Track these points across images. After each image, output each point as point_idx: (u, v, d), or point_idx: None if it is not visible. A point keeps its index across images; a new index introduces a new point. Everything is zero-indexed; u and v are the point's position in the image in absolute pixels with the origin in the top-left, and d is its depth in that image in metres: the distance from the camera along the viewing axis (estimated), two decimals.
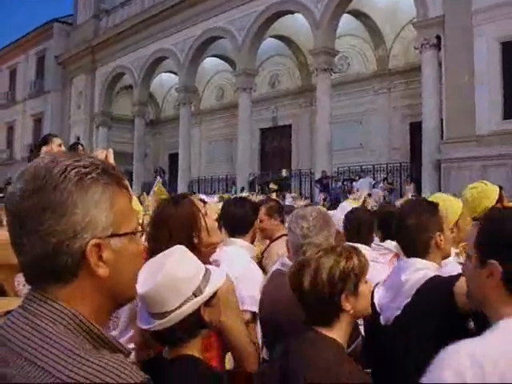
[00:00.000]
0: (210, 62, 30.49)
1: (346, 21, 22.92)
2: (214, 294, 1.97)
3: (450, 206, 3.42)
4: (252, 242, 3.57)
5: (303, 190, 24.69)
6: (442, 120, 17.46)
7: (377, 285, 2.70)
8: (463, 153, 15.99)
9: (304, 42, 25.57)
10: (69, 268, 1.08)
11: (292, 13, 23.35)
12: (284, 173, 24.54)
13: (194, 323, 1.91)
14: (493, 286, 1.58)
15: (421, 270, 2.44)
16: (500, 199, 3.94)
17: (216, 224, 2.66)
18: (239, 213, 3.51)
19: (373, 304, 2.58)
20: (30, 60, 40.12)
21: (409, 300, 2.39)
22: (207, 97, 34.18)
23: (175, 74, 30.12)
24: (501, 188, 4.06)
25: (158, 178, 17.37)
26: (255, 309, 2.95)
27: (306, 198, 21.24)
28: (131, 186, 4.60)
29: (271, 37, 26.12)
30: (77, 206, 1.07)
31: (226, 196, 16.21)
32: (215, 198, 15.55)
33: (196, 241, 2.46)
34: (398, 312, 2.43)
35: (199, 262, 2.03)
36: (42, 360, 1.01)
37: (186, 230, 2.45)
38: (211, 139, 33.67)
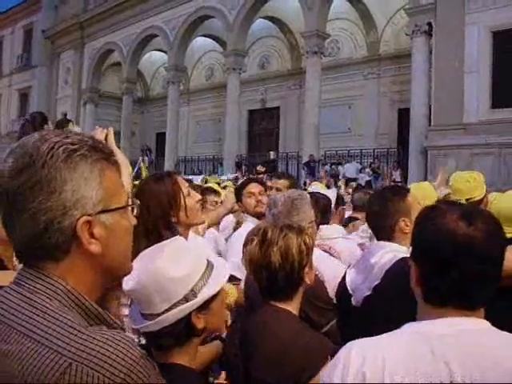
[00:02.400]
0: (200, 42, 30.22)
1: (338, 4, 22.78)
2: (214, 297, 1.71)
3: (427, 194, 3.58)
4: None
5: (290, 172, 24.67)
6: (430, 107, 17.50)
7: (348, 267, 2.78)
8: (450, 140, 16.05)
9: (295, 25, 25.45)
10: (60, 245, 1.09)
11: None
12: (272, 155, 24.49)
13: (183, 331, 1.67)
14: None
15: (389, 253, 2.51)
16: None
17: (198, 205, 2.65)
18: None
19: (344, 285, 2.66)
20: (17, 33, 39.44)
21: (378, 282, 2.47)
22: (196, 76, 33.95)
23: (165, 52, 29.82)
24: None
25: (140, 160, 17.28)
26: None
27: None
28: None
29: (262, 18, 25.94)
30: (66, 183, 1.07)
31: (211, 178, 16.17)
32: (199, 179, 15.54)
33: (173, 219, 2.47)
34: (368, 293, 2.51)
35: (199, 255, 1.78)
36: (43, 336, 1.02)
37: (163, 208, 2.46)
38: (199, 119, 33.52)
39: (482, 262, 1.42)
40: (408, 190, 2.72)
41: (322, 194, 4.09)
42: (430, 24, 17.50)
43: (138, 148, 33.02)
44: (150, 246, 1.84)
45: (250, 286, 2.59)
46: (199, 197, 2.69)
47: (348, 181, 18.98)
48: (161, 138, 32.56)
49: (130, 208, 1.24)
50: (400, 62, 22.66)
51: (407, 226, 2.54)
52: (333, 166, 21.31)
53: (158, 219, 2.38)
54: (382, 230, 2.65)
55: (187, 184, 2.68)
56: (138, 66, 32.54)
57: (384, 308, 2.00)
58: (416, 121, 18.02)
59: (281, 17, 26.79)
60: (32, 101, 37.32)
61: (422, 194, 3.60)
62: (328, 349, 2.01)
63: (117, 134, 30.17)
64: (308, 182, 20.37)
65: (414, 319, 1.53)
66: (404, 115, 21.12)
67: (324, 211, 4.13)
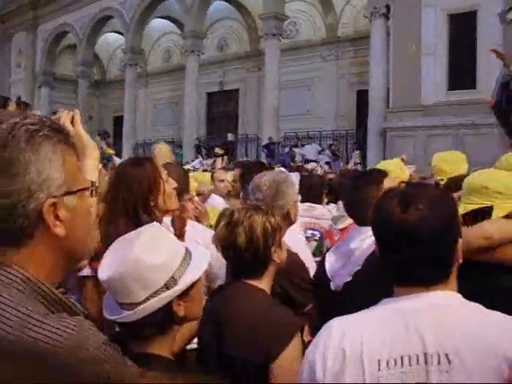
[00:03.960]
0: (157, 23, 29.77)
1: None
2: (194, 284, 1.67)
3: (398, 172, 3.64)
4: None
5: (249, 155, 24.69)
6: (388, 89, 17.69)
7: (327, 251, 2.82)
8: (408, 122, 16.27)
9: (253, 6, 25.31)
10: (24, 229, 1.06)
11: None
12: (230, 137, 24.39)
13: (164, 319, 1.63)
14: None
15: (369, 238, 2.49)
16: None
17: (174, 192, 2.67)
18: None
19: (324, 270, 2.70)
20: None
21: (359, 267, 2.49)
22: (154, 59, 33.51)
23: (121, 34, 29.32)
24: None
25: (103, 142, 16.96)
26: None
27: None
28: None
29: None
30: (30, 165, 1.04)
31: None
32: None
33: (152, 204, 2.48)
34: (349, 278, 2.54)
35: (178, 242, 1.75)
36: (1, 328, 1.00)
37: (143, 192, 2.48)
38: (157, 102, 33.14)
39: (414, 245, 1.49)
40: (384, 175, 2.74)
41: (315, 175, 4.20)
42: (388, 6, 17.62)
43: (95, 132, 32.54)
44: (128, 228, 1.81)
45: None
46: (175, 184, 2.70)
47: (307, 162, 19.07)
48: (119, 121, 32.12)
49: (89, 190, 1.21)
50: (359, 44, 22.76)
51: None
52: (293, 148, 21.38)
53: (137, 202, 2.39)
54: (359, 217, 2.68)
55: (166, 171, 2.68)
56: (94, 49, 31.88)
57: (364, 294, 2.05)
58: (375, 102, 18.19)
59: None
60: None
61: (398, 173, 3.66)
62: (297, 324, 2.11)
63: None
64: (268, 163, 20.42)
65: None
66: (363, 97, 21.29)
67: (316, 191, 4.21)
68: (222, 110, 30.18)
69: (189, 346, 2.35)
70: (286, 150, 21.50)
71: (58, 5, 31.74)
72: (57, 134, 1.11)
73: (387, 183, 2.61)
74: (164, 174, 2.59)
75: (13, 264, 1.07)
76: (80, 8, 30.41)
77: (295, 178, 4.59)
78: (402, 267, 1.53)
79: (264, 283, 2.25)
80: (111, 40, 33.28)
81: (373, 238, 2.47)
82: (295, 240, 2.84)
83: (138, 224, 2.03)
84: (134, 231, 1.70)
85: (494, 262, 2.26)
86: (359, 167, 17.76)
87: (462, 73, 15.58)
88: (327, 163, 19.52)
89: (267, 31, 21.68)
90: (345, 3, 24.32)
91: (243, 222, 2.21)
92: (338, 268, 2.62)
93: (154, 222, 1.82)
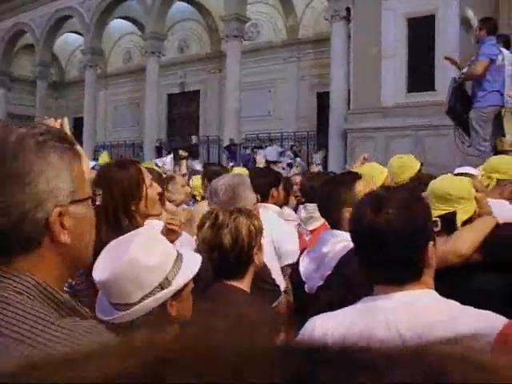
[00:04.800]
0: (117, 24, 29.44)
1: None
2: (186, 285, 1.74)
3: (376, 174, 3.68)
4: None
5: (211, 156, 24.67)
6: (349, 91, 17.89)
7: (301, 254, 2.86)
8: (368, 123, 16.47)
9: (214, 8, 25.28)
10: (33, 238, 1.08)
11: None
12: (194, 140, 24.32)
13: (158, 319, 1.67)
14: None
15: (341, 242, 2.56)
16: (419, 172, 4.33)
17: (157, 197, 2.64)
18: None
19: (298, 272, 2.75)
20: None
21: (330, 272, 2.54)
22: (114, 60, 33.14)
23: (80, 34, 28.91)
24: (422, 164, 4.49)
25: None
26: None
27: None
28: None
29: (181, 0, 25.57)
30: (39, 175, 1.06)
31: (146, 164, 15.77)
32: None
33: (133, 208, 2.46)
34: (321, 282, 2.59)
35: (170, 245, 1.81)
36: (16, 331, 1.01)
37: (125, 196, 2.45)
38: (118, 103, 32.79)
39: (383, 247, 1.57)
40: (357, 178, 2.78)
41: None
42: (348, 9, 17.83)
43: None
44: (109, 233, 1.81)
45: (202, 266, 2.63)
46: (160, 189, 2.67)
47: (269, 164, 19.12)
48: (78, 123, 31.69)
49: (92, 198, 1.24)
50: (319, 46, 22.91)
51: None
52: (254, 150, 21.43)
53: (118, 207, 2.36)
54: (331, 220, 2.74)
55: (150, 175, 2.66)
56: (53, 49, 31.38)
57: (336, 298, 2.11)
58: (335, 104, 18.36)
59: (200, 0, 26.55)
60: None
61: (376, 174, 3.72)
62: (280, 322, 2.23)
63: (31, 120, 29.25)
64: (231, 165, 20.45)
65: None
66: (323, 99, 21.46)
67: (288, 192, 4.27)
68: (183, 111, 30.04)
69: None
70: (248, 151, 21.54)
71: (14, 3, 30.98)
72: (64, 143, 1.13)
73: (361, 186, 2.65)
74: (148, 178, 2.56)
75: (24, 270, 1.09)
76: (37, 7, 29.78)
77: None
78: (375, 267, 1.62)
79: (245, 283, 2.31)
80: (70, 40, 32.73)
81: (344, 242, 2.54)
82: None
83: (118, 230, 2.02)
84: (127, 234, 1.75)
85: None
86: (320, 168, 17.94)
87: (420, 75, 15.85)
88: (288, 164, 19.62)
89: (228, 33, 21.69)
90: (305, 6, 24.48)
91: (228, 224, 2.25)
92: (311, 271, 2.66)
93: (147, 226, 1.92)
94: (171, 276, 1.67)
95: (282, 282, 3.07)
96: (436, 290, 1.66)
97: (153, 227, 2.31)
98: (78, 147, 1.23)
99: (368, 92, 16.68)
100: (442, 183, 2.57)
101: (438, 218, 2.35)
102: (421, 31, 15.81)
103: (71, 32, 30.82)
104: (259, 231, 2.33)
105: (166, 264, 1.68)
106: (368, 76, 16.61)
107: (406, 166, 4.34)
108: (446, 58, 8.43)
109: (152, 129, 24.72)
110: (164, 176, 5.78)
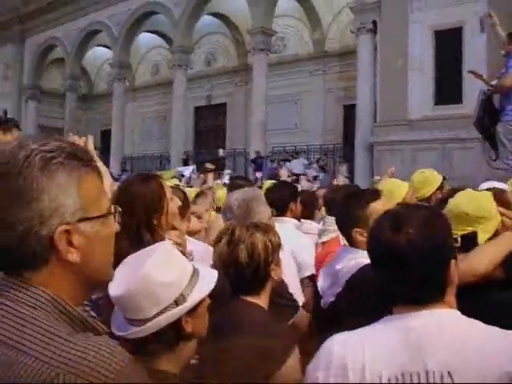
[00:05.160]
0: (145, 38, 29.87)
1: (284, 1, 22.90)
2: (201, 302, 1.72)
3: (396, 190, 3.65)
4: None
5: (237, 169, 24.70)
6: (375, 103, 17.81)
7: (319, 269, 2.84)
8: (395, 136, 16.38)
9: (241, 21, 25.43)
10: (38, 255, 1.08)
11: None
12: (221, 153, 24.36)
13: (172, 335, 1.67)
14: None
15: (353, 260, 2.54)
16: (441, 187, 4.30)
17: (178, 211, 2.62)
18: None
19: (316, 287, 2.73)
20: None
21: (340, 289, 2.52)
22: (142, 73, 33.54)
23: (109, 48, 29.36)
24: (444, 178, 4.44)
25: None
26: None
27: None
28: None
29: (208, 14, 25.82)
30: (43, 192, 1.06)
31: (166, 173, 15.85)
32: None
33: (155, 222, 2.45)
34: (332, 299, 2.58)
35: (186, 261, 1.79)
36: (30, 347, 1.01)
37: (147, 211, 2.43)
38: (145, 116, 33.12)
39: (403, 266, 1.53)
40: (376, 197, 2.73)
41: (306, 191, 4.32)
42: (374, 22, 17.81)
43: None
44: (131, 247, 1.81)
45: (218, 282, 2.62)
46: (179, 203, 2.65)
47: (296, 176, 19.08)
48: (106, 135, 32.04)
49: (112, 215, 1.22)
50: (346, 58, 22.88)
51: (362, 235, 2.56)
52: (281, 163, 21.40)
53: (141, 221, 2.35)
54: (346, 236, 2.72)
55: (171, 189, 2.64)
56: (82, 62, 31.90)
57: (345, 315, 2.09)
58: (362, 117, 18.30)
59: (227, 13, 26.72)
60: None
61: (395, 190, 3.70)
62: (295, 339, 2.14)
63: (60, 132, 29.68)
64: (258, 178, 20.46)
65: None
66: (350, 111, 21.43)
67: (309, 207, 4.26)
68: (209, 124, 30.18)
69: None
70: (274, 164, 21.53)
71: (46, 18, 31.72)
72: (75, 159, 1.12)
73: (380, 205, 2.59)
74: (169, 192, 2.54)
75: (37, 285, 1.09)
76: (68, 22, 30.42)
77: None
78: (395, 287, 1.57)
79: (262, 299, 2.28)
80: (99, 54, 33.25)
81: (358, 259, 2.51)
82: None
83: (140, 244, 2.01)
84: (144, 249, 1.74)
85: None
86: (347, 181, 17.85)
87: (447, 87, 15.75)
88: (314, 177, 19.55)
89: (255, 46, 21.80)
90: (332, 19, 24.51)
91: (245, 240, 2.23)
92: (327, 287, 2.65)
93: (164, 241, 1.88)
94: (187, 292, 1.66)
95: (300, 296, 3.04)
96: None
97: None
98: (99, 163, 1.22)
99: (394, 104, 16.59)
100: (459, 201, 2.47)
101: (458, 234, 2.29)
102: (448, 43, 15.72)
103: (100, 46, 31.32)
104: (276, 246, 2.30)
105: (182, 280, 1.67)
106: (394, 88, 16.54)
107: (428, 180, 4.30)
108: (471, 72, 8.35)
109: (179, 141, 24.89)
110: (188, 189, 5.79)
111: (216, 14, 26.62)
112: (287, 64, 25.61)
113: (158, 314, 1.61)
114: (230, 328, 2.18)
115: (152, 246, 1.76)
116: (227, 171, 16.74)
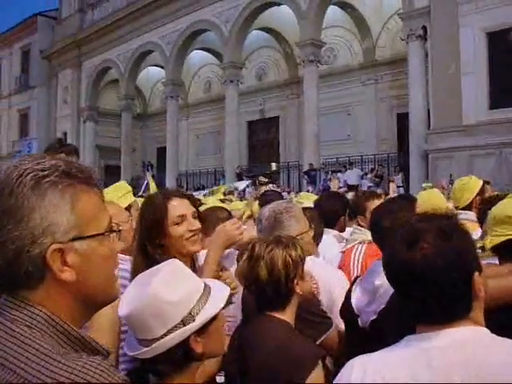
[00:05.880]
0: (196, 55, 30.37)
1: (332, 12, 22.91)
2: (212, 320, 1.67)
3: (435, 201, 3.55)
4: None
5: (291, 182, 24.69)
6: (429, 110, 17.50)
7: (353, 283, 2.70)
8: (450, 143, 16.04)
9: (290, 34, 25.53)
10: (32, 274, 1.06)
11: (278, 4, 23.29)
12: (274, 167, 24.40)
13: (181, 356, 1.63)
14: None
15: None
16: (481, 192, 4.17)
17: (189, 234, 2.47)
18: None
19: (350, 305, 2.60)
20: (15, 55, 39.66)
21: (384, 306, 2.38)
22: (194, 90, 34.06)
23: (162, 67, 29.97)
24: (487, 182, 4.29)
25: (148, 174, 17.02)
26: None
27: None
28: (118, 181, 4.52)
29: (257, 29, 26.06)
30: (34, 211, 1.05)
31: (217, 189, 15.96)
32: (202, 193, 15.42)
33: (161, 242, 2.40)
34: (374, 317, 2.45)
35: (196, 279, 1.75)
36: (13, 363, 1.00)
37: (148, 231, 2.40)
38: (199, 132, 33.58)
39: (422, 284, 1.42)
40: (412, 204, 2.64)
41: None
42: (424, 28, 17.56)
43: (139, 164, 33.05)
44: (145, 265, 1.79)
45: (245, 298, 2.59)
46: (195, 226, 2.49)
47: (350, 188, 18.94)
48: (161, 152, 32.61)
49: (114, 233, 1.20)
50: (396, 66, 22.66)
51: None
52: (334, 174, 21.27)
53: (147, 240, 2.33)
54: (381, 248, 2.59)
55: (182, 211, 2.49)
56: (136, 82, 32.68)
57: (390, 333, 1.98)
58: (415, 124, 18.03)
59: (276, 27, 26.89)
60: (32, 121, 37.53)
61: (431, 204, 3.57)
62: (319, 355, 2.08)
63: (117, 151, 30.39)
64: (310, 190, 20.39)
65: None
66: (403, 119, 21.13)
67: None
68: (262, 137, 30.34)
69: (218, 379, 2.33)
70: (329, 176, 21.42)
71: (101, 42, 32.79)
72: (69, 177, 1.11)
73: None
74: (175, 216, 2.42)
75: (32, 303, 1.08)
76: (121, 44, 31.34)
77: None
78: (416, 305, 1.47)
79: (287, 315, 2.23)
80: (152, 73, 33.99)
81: None
82: (319, 269, 2.78)
83: (153, 262, 1.97)
84: (153, 267, 1.72)
85: None
86: (402, 190, 17.56)
87: (503, 91, 15.33)
88: (369, 188, 19.34)
89: (305, 58, 21.81)
90: (381, 27, 24.30)
91: (264, 257, 2.20)
92: (365, 305, 2.52)
93: (174, 259, 1.81)
94: (195, 311, 1.62)
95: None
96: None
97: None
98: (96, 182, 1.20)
99: (448, 110, 16.27)
100: (503, 206, 2.35)
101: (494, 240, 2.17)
102: (501, 45, 15.32)
103: (153, 65, 31.97)
104: (297, 261, 2.24)
105: (191, 298, 1.63)
106: (447, 94, 16.22)
107: (466, 187, 4.18)
108: None
109: (233, 156, 25.06)
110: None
111: (265, 29, 26.82)
112: (338, 75, 25.52)
113: (165, 334, 1.58)
114: (253, 344, 2.17)
115: (160, 265, 1.73)
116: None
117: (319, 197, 5.21)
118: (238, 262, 2.32)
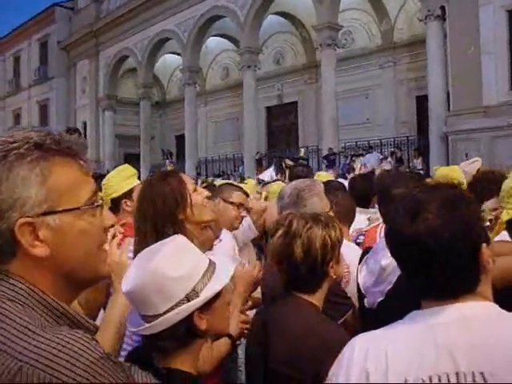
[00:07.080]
0: (213, 42, 30.22)
1: None
2: (217, 297, 1.64)
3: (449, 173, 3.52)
4: None
5: (311, 166, 24.54)
6: (448, 92, 17.28)
7: (360, 261, 2.66)
8: (470, 124, 15.83)
9: (307, 18, 25.29)
10: (2, 248, 1.06)
11: None
12: (302, 152, 24.08)
13: (184, 332, 1.59)
14: None
15: None
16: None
17: (205, 201, 2.52)
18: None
19: (357, 285, 2.56)
20: (33, 46, 39.85)
21: (390, 286, 2.34)
22: (212, 76, 33.97)
23: (179, 54, 29.91)
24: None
25: (168, 161, 16.98)
26: None
27: None
28: (138, 169, 4.56)
29: (273, 14, 25.82)
30: (0, 184, 1.04)
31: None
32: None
33: (181, 217, 2.39)
34: (381, 298, 2.40)
35: (200, 254, 1.70)
36: None
37: (169, 206, 2.38)
38: (217, 119, 33.52)
39: (427, 257, 1.36)
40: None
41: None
42: (442, 8, 17.26)
43: (159, 152, 33.15)
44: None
45: (270, 276, 2.54)
46: (206, 193, 2.56)
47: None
48: (180, 140, 32.66)
49: (98, 207, 1.17)
50: (415, 48, 22.33)
51: None
52: (353, 158, 21.13)
53: (164, 217, 2.33)
54: None
55: (193, 181, 2.59)
56: (154, 70, 32.67)
57: (397, 313, 1.99)
58: (435, 107, 17.81)
59: (292, 11, 26.65)
60: (51, 112, 37.77)
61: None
62: (346, 341, 2.00)
63: (137, 139, 30.45)
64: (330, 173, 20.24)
65: None
66: (422, 102, 20.89)
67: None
68: (281, 123, 30.18)
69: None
70: (348, 160, 21.29)
71: (118, 31, 32.83)
72: (40, 150, 1.08)
73: None
74: (190, 184, 2.48)
75: (16, 276, 1.07)
76: (138, 32, 31.31)
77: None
78: (421, 279, 1.40)
79: (316, 298, 2.15)
80: (169, 61, 33.95)
81: None
82: (351, 254, 2.78)
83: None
84: (156, 243, 1.69)
85: None
86: (422, 173, 17.41)
87: None
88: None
89: (322, 42, 21.59)
90: (399, 8, 23.95)
91: (301, 235, 2.10)
92: (371, 285, 2.47)
93: (178, 234, 1.79)
94: (199, 287, 1.59)
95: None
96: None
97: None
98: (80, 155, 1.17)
99: (468, 92, 16.03)
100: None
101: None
102: None
103: (170, 53, 31.92)
104: (336, 242, 2.14)
105: (195, 274, 1.60)
106: (467, 75, 15.97)
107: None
108: None
109: (252, 142, 24.99)
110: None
111: (281, 13, 26.59)
112: (356, 58, 25.22)
113: (168, 310, 1.55)
114: (280, 327, 2.10)
115: (164, 240, 1.69)
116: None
117: (352, 177, 5.37)
118: (272, 237, 2.22)
